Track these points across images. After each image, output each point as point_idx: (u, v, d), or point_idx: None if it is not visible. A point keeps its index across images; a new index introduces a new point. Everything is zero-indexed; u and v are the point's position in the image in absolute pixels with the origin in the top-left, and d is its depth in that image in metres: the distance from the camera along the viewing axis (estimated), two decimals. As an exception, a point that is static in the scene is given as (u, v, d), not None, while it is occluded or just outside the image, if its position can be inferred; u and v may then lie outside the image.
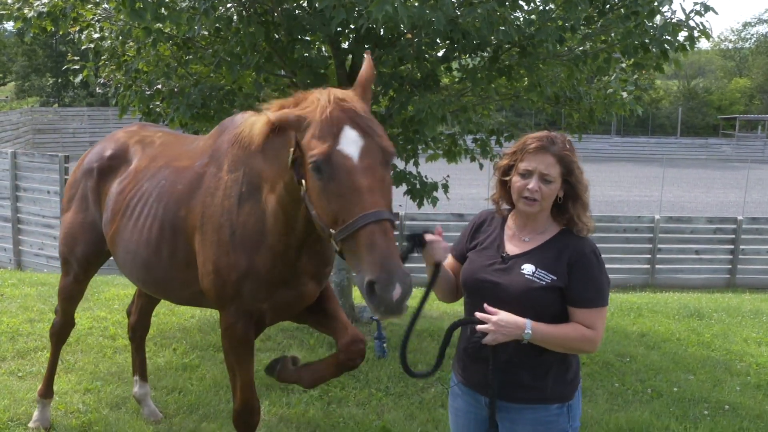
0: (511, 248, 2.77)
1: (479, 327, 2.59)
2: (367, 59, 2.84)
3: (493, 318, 2.57)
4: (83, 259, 4.50)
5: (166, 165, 3.93)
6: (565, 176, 2.66)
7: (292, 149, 2.71)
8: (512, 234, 2.80)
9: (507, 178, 2.74)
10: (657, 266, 13.78)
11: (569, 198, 2.70)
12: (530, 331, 2.56)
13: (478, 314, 2.62)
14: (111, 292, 8.47)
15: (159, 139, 4.30)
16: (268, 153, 3.17)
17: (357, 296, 8.93)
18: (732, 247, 14.00)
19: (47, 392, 4.83)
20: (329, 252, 3.47)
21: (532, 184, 2.63)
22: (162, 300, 4.90)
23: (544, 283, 2.63)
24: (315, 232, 2.99)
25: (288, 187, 2.99)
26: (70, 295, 4.73)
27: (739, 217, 14.28)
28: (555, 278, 2.63)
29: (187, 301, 4.15)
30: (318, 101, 2.61)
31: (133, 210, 3.91)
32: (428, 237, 2.68)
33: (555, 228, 2.75)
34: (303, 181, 2.64)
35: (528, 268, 2.67)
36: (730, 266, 14.06)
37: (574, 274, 2.63)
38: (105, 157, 4.36)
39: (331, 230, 2.46)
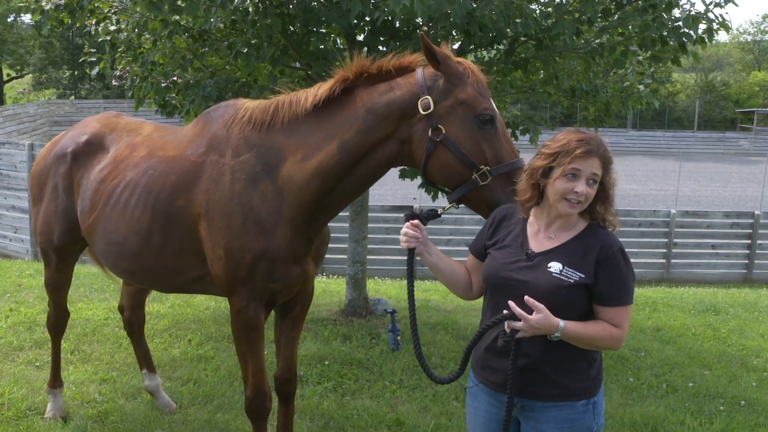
0: (536, 245, 2.72)
1: (512, 324, 2.55)
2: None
3: (532, 319, 2.51)
4: (61, 248, 4.47)
5: (150, 155, 3.89)
6: (602, 177, 2.63)
7: (428, 98, 3.11)
8: (536, 230, 2.75)
9: (543, 181, 2.66)
10: (673, 261, 13.68)
11: (599, 197, 2.66)
12: (560, 333, 2.53)
13: (514, 307, 2.55)
14: (127, 283, 8.52)
15: (136, 129, 4.25)
16: (306, 123, 3.38)
17: (371, 288, 8.94)
18: (749, 241, 13.87)
19: (55, 383, 4.87)
20: (327, 233, 3.84)
21: (581, 187, 2.58)
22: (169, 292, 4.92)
23: (572, 281, 2.59)
24: (354, 194, 3.46)
25: (352, 141, 3.25)
26: (56, 286, 4.73)
27: (757, 212, 14.14)
28: (583, 276, 2.59)
29: (177, 289, 4.14)
30: (466, 65, 3.14)
31: (117, 200, 3.86)
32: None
33: (582, 224, 2.71)
34: (440, 127, 3.09)
35: (555, 266, 2.63)
36: (746, 261, 13.93)
37: (602, 272, 2.60)
38: (80, 143, 4.28)
39: (482, 166, 3.02)
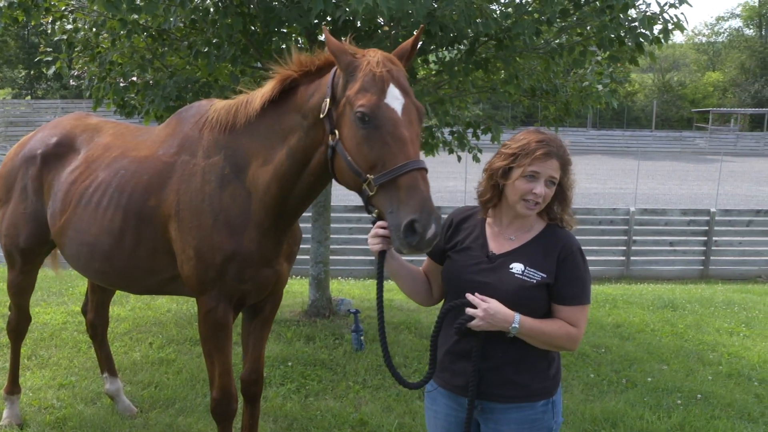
0: (497, 247, 2.72)
1: (468, 310, 2.55)
2: (416, 34, 3.00)
3: (483, 305, 2.53)
4: (27, 250, 4.40)
5: (122, 155, 3.87)
6: (561, 178, 2.65)
7: (327, 99, 2.86)
8: (496, 232, 2.75)
9: (503, 181, 2.66)
10: (632, 258, 13.89)
11: (557, 197, 2.68)
12: (518, 325, 2.53)
13: (470, 296, 2.56)
14: (85, 287, 8.36)
15: (107, 129, 4.21)
16: (262, 125, 3.30)
17: (334, 289, 8.93)
18: (705, 238, 14.13)
19: (13, 388, 4.78)
20: (299, 231, 3.77)
21: (539, 189, 2.59)
22: (132, 294, 4.84)
23: (534, 281, 2.61)
24: (310, 197, 3.31)
25: (296, 147, 3.12)
26: (20, 289, 4.65)
27: (712, 209, 14.43)
28: (545, 276, 2.61)
29: (150, 290, 4.07)
30: (366, 57, 2.78)
31: (89, 201, 3.83)
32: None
33: (540, 224, 2.73)
34: (336, 131, 2.81)
35: (517, 267, 2.64)
36: (703, 258, 14.19)
37: (562, 271, 2.62)
38: (50, 144, 4.23)
39: (368, 175, 2.63)
